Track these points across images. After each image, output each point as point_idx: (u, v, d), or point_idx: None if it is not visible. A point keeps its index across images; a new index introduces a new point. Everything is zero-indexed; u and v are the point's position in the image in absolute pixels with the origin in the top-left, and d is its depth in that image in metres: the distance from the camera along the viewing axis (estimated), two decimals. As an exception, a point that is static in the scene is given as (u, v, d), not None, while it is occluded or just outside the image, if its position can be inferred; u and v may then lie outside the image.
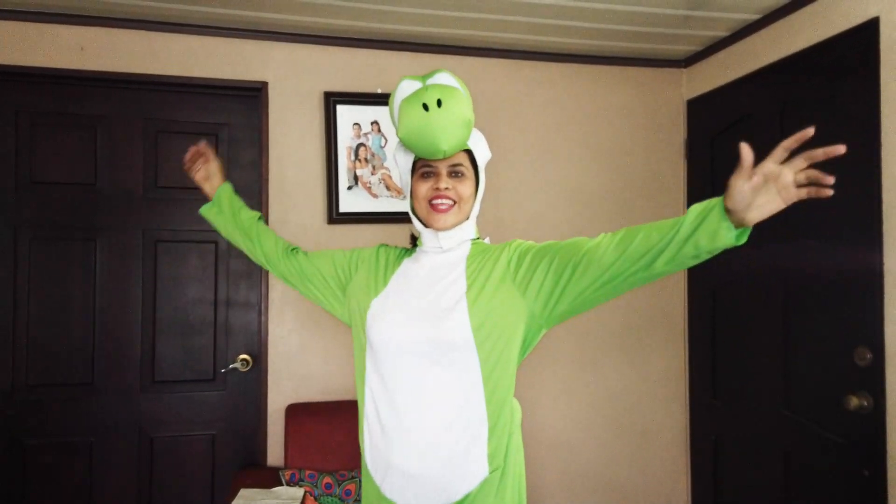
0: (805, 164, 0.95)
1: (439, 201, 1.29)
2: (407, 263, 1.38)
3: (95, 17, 2.33)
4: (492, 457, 1.24)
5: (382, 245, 1.47)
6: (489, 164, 2.44)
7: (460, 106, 1.24)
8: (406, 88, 1.29)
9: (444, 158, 1.29)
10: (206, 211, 1.60)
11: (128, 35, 2.38)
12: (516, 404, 1.34)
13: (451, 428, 1.23)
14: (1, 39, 2.28)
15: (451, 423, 1.23)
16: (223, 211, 1.58)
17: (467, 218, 1.35)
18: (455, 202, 1.30)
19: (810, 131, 0.96)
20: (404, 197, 2.56)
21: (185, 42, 2.43)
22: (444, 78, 1.28)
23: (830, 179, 0.94)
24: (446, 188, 1.29)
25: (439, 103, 1.22)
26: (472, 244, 1.37)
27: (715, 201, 1.01)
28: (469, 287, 1.26)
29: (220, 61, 2.46)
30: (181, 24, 2.40)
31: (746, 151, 0.97)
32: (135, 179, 2.46)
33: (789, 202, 0.97)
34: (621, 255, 1.11)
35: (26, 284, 2.36)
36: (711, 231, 1.01)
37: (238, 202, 1.60)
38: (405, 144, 1.29)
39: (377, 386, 1.30)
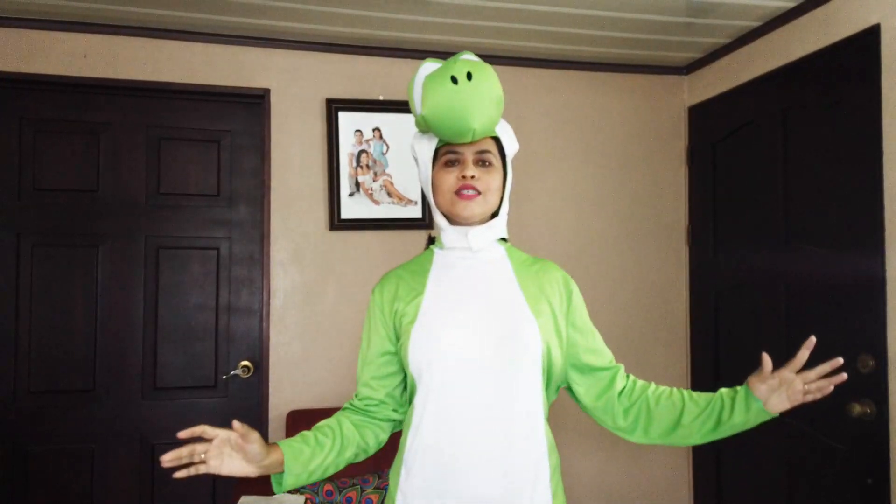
0: (815, 377, 1.16)
1: (466, 191, 1.16)
2: (435, 275, 1.23)
3: (98, 24, 2.34)
4: (554, 494, 1.18)
5: (377, 286, 1.27)
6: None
7: (491, 80, 1.13)
8: (430, 67, 1.17)
9: (472, 143, 1.17)
10: (287, 483, 1.17)
11: (130, 42, 2.39)
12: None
13: (519, 451, 1.13)
14: (4, 46, 2.30)
15: (518, 447, 1.13)
16: (311, 464, 1.17)
17: (495, 214, 1.23)
18: (481, 193, 1.17)
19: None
20: (407, 203, 2.58)
21: (187, 49, 2.44)
22: (470, 57, 1.17)
23: (834, 384, 1.17)
24: (472, 176, 1.15)
25: (469, 76, 1.10)
26: (507, 248, 1.27)
27: (742, 391, 1.18)
28: (527, 296, 1.18)
29: (222, 68, 2.47)
30: (184, 31, 2.41)
31: (767, 361, 1.16)
32: (137, 186, 2.46)
33: (794, 405, 1.17)
34: (644, 433, 1.24)
35: (28, 291, 2.36)
36: (753, 417, 1.17)
37: (310, 443, 1.17)
38: (430, 124, 1.14)
39: (430, 412, 1.15)
